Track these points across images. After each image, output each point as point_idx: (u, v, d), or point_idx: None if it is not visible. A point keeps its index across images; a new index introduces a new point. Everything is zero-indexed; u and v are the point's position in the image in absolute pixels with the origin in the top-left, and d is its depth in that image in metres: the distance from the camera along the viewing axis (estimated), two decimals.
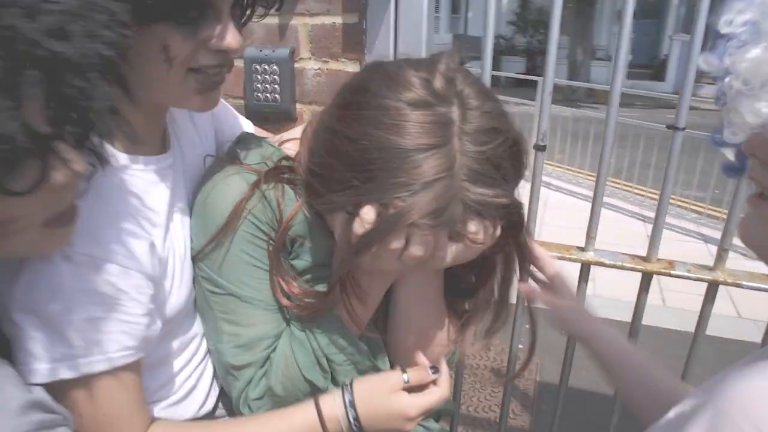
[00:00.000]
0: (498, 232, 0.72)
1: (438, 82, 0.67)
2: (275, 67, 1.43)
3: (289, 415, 0.77)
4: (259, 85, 1.46)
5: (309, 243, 0.81)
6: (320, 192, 0.72)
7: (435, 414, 1.07)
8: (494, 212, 0.68)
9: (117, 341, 0.65)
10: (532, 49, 15.89)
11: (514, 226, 0.74)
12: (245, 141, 0.86)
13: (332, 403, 0.77)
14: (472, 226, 0.67)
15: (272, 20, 1.43)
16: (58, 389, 0.63)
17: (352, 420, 0.76)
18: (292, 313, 0.81)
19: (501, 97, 0.71)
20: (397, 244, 0.66)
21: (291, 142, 0.86)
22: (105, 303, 0.64)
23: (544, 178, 6.50)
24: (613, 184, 5.82)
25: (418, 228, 0.64)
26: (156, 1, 0.60)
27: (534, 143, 1.30)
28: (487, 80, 1.29)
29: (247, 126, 1.10)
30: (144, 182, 0.73)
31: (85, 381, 0.64)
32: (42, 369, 0.61)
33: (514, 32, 16.39)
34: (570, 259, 1.35)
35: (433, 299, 0.88)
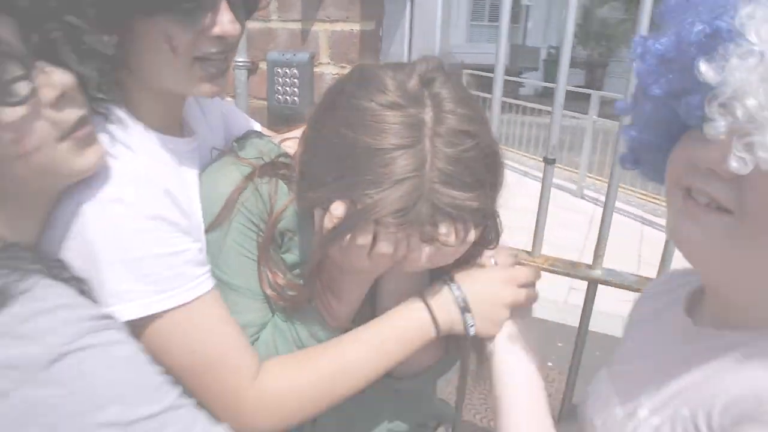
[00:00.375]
0: (471, 236, 0.71)
1: (413, 84, 0.67)
2: (295, 70, 1.47)
3: (399, 311, 0.80)
4: (279, 88, 1.51)
5: (299, 238, 0.83)
6: (303, 189, 0.75)
7: (434, 419, 1.07)
8: (466, 215, 0.68)
9: (184, 274, 0.69)
10: (592, 61, 15.47)
11: (489, 234, 0.74)
12: (247, 137, 0.90)
13: (434, 289, 0.80)
14: (443, 228, 0.67)
15: (295, 26, 1.48)
16: (147, 335, 0.66)
17: (456, 292, 0.79)
18: (277, 304, 0.84)
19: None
20: (363, 240, 0.68)
21: (292, 141, 0.89)
22: (161, 238, 0.67)
23: (593, 195, 6.32)
24: (665, 206, 5.56)
25: (384, 225, 0.65)
26: None
27: (544, 156, 1.28)
28: (498, 91, 1.29)
29: (255, 127, 1.14)
30: (165, 155, 0.77)
31: (170, 318, 0.67)
32: (120, 309, 0.65)
33: (575, 44, 16.02)
34: (577, 276, 1.32)
35: None
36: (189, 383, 0.71)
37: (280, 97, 1.52)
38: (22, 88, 0.53)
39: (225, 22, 0.71)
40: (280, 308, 0.83)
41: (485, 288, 0.80)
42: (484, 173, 0.69)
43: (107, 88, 0.67)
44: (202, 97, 0.88)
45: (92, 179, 0.65)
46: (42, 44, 0.56)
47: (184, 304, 0.68)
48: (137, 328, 0.67)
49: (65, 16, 0.57)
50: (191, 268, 0.70)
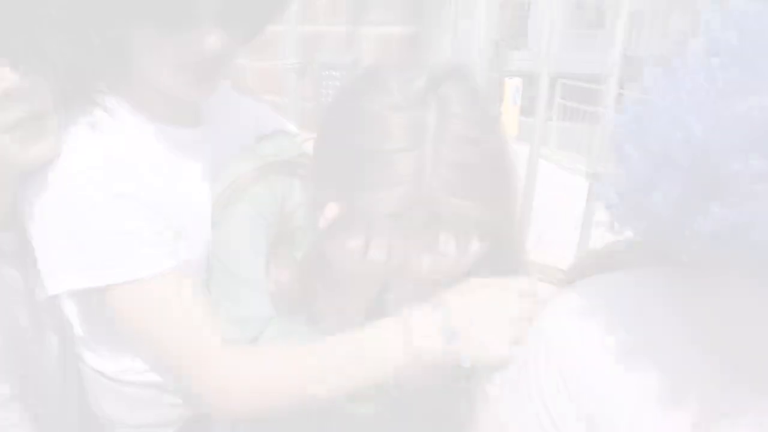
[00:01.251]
0: (474, 248, 0.67)
1: (419, 85, 0.65)
2: (340, 72, 1.49)
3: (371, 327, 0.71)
4: (323, 90, 1.54)
5: (311, 236, 0.82)
6: (312, 189, 0.75)
7: None
8: (468, 225, 0.65)
9: (137, 254, 0.70)
10: None
11: (500, 247, 0.70)
12: (271, 135, 0.91)
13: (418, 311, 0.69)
14: (441, 237, 0.65)
15: (342, 28, 1.50)
16: (110, 302, 0.70)
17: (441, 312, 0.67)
18: (277, 305, 0.83)
19: None
20: (355, 243, 0.66)
21: (312, 141, 0.90)
22: (117, 217, 0.69)
23: None
24: None
25: (377, 228, 0.64)
26: (137, 5, 0.65)
27: (586, 171, 1.18)
28: (543, 99, 1.21)
29: (289, 129, 1.14)
30: (146, 140, 0.79)
31: (122, 291, 0.69)
32: (64, 278, 0.68)
33: None
34: None
35: None
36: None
37: (324, 99, 1.55)
38: None
39: (208, 40, 0.70)
40: (281, 311, 0.82)
41: (480, 302, 0.67)
42: (490, 183, 0.65)
43: (104, 80, 0.71)
44: (238, 93, 0.91)
45: (62, 160, 0.68)
46: None
47: (124, 283, 0.69)
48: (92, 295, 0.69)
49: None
50: (143, 248, 0.71)
